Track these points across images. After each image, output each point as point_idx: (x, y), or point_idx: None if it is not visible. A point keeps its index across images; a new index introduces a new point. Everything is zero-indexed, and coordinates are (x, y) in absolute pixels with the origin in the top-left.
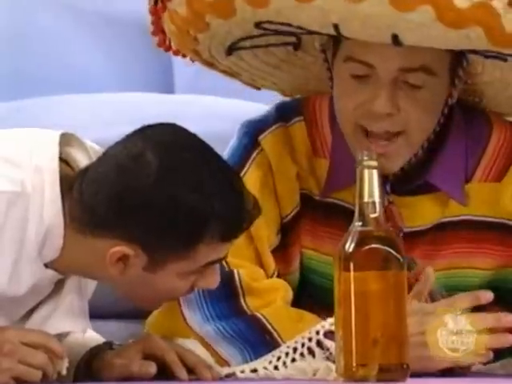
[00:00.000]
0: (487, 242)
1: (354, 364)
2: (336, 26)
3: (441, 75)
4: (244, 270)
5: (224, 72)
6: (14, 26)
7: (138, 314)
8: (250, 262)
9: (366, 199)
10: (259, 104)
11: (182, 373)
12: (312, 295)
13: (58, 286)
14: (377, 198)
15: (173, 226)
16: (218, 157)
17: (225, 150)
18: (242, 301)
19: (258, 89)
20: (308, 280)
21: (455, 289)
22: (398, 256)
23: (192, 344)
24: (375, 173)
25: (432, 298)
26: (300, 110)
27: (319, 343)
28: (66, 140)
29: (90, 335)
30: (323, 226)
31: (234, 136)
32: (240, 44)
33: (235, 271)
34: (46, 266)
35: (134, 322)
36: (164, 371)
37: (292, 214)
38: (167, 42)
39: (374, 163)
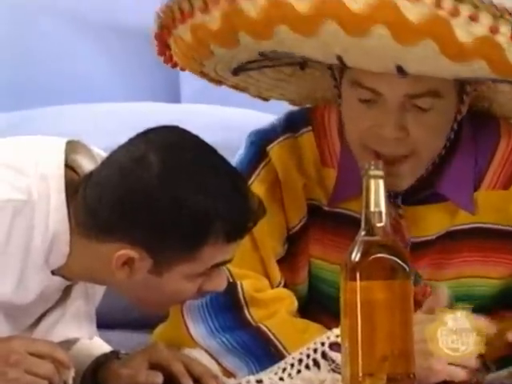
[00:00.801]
0: (497, 251)
1: (361, 374)
2: (339, 57)
3: (448, 96)
4: (248, 280)
5: (232, 87)
6: (17, 35)
7: (145, 324)
8: (254, 272)
9: (372, 209)
10: (266, 114)
11: (188, 383)
12: (321, 303)
13: (66, 292)
14: (383, 208)
15: (176, 228)
16: (220, 158)
17: (230, 161)
18: (246, 312)
19: (266, 100)
20: (316, 289)
21: (465, 298)
22: (404, 265)
23: (198, 354)
24: (381, 182)
25: None
26: (308, 121)
27: (324, 355)
28: (72, 147)
29: (97, 344)
30: (332, 235)
31: (240, 145)
32: (246, 66)
33: (238, 283)
34: (53, 273)
35: (140, 331)
36: (170, 381)
37: (299, 225)
38: (174, 59)
39: (380, 173)
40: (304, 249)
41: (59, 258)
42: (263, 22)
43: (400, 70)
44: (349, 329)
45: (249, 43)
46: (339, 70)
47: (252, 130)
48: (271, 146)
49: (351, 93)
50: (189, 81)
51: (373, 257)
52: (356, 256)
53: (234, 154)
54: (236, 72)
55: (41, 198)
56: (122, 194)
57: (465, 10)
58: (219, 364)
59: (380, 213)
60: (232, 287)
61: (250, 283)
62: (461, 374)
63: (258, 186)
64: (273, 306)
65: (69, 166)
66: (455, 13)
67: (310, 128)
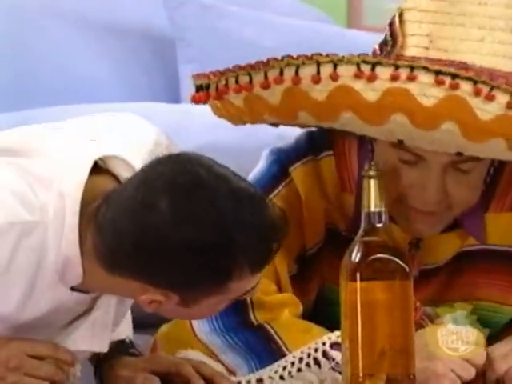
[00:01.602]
0: (506, 274)
1: (361, 374)
2: (400, 140)
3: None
4: None
5: None
6: (17, 35)
7: (145, 324)
8: (266, 279)
9: (372, 209)
10: None
11: (200, 383)
12: (330, 327)
13: (93, 302)
14: (383, 208)
15: (197, 270)
16: (235, 181)
17: (231, 161)
18: (251, 315)
19: (276, 126)
20: (325, 312)
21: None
22: (404, 266)
23: (196, 355)
24: (381, 183)
25: None
26: (330, 145)
27: (325, 354)
28: (113, 161)
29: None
30: None
31: (239, 145)
32: None
33: None
34: (74, 288)
35: (140, 331)
36: None
37: (316, 248)
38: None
39: (380, 173)
40: (317, 271)
41: (74, 277)
42: (329, 107)
43: (459, 154)
44: (349, 329)
45: (307, 120)
46: None
47: (273, 147)
48: (294, 166)
49: (391, 153)
50: (189, 81)
51: (373, 257)
52: (356, 256)
53: (233, 154)
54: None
55: (56, 216)
56: (137, 241)
57: None
58: (220, 361)
59: (380, 213)
60: None
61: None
62: (468, 373)
63: (276, 203)
64: (278, 310)
65: (113, 176)
66: None
67: (331, 152)
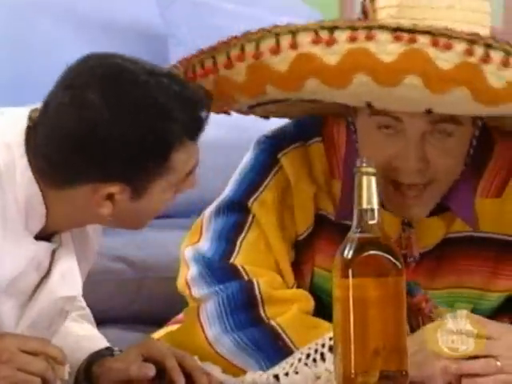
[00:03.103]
0: (494, 261)
1: (353, 371)
2: (369, 103)
3: (466, 123)
4: (264, 278)
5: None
6: (14, 32)
7: (141, 321)
8: (269, 270)
9: (364, 206)
10: None
11: (180, 380)
12: (321, 313)
13: (53, 257)
14: (375, 205)
15: (140, 149)
16: (148, 64)
17: (222, 158)
18: (261, 310)
19: (267, 118)
20: (318, 299)
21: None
22: (397, 263)
23: (207, 366)
24: (373, 180)
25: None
26: (319, 131)
27: (332, 349)
28: None
29: (95, 338)
30: (337, 246)
31: (237, 142)
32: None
33: (255, 281)
34: (37, 238)
35: (137, 328)
36: (161, 375)
37: (306, 233)
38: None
39: (372, 170)
40: (309, 258)
41: (38, 219)
42: (292, 76)
43: (429, 112)
44: (341, 326)
45: (276, 93)
46: None
47: (261, 135)
48: (282, 153)
49: (370, 122)
50: None
51: (365, 254)
52: (348, 253)
53: (224, 151)
54: (251, 108)
55: (7, 167)
56: (77, 140)
57: (496, 56)
58: (232, 364)
59: (372, 210)
60: (249, 285)
61: (266, 280)
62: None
63: (269, 192)
64: (288, 305)
65: None
66: (487, 59)
67: (320, 139)
